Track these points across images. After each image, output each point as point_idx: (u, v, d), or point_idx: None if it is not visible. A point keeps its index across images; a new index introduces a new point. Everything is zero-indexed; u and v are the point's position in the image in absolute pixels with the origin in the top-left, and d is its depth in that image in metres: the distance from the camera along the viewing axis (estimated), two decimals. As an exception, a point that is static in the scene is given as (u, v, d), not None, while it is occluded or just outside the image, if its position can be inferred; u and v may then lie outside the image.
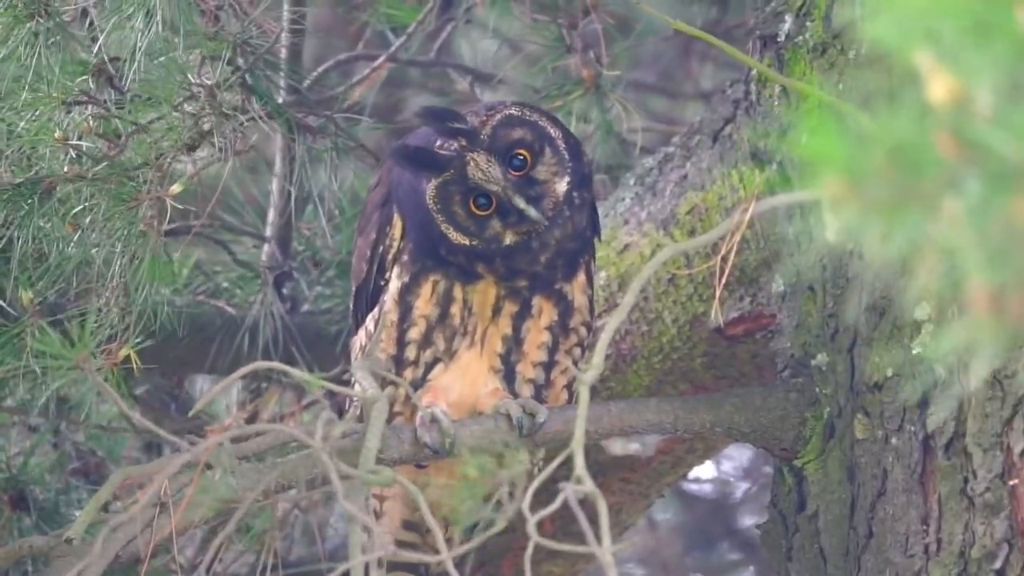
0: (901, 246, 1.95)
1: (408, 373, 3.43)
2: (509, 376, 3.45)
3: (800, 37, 3.59)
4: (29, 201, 3.57)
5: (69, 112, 3.62)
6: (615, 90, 4.19)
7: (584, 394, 2.89)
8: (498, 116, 3.41)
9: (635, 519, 4.39)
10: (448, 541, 3.11)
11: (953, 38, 1.89)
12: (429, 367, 3.44)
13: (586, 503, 2.72)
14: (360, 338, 3.52)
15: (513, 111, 3.43)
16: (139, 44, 3.52)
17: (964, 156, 1.89)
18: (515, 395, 3.45)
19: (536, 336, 3.44)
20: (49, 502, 4.19)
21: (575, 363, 3.46)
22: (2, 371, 3.59)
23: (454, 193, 3.39)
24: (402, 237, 3.45)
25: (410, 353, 3.43)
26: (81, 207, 3.57)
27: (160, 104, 3.64)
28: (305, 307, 4.43)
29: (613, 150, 4.24)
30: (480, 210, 3.39)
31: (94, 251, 3.58)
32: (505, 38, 4.57)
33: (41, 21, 3.56)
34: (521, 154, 3.40)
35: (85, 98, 3.62)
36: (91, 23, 3.66)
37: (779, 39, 3.61)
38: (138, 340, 3.55)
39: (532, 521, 2.74)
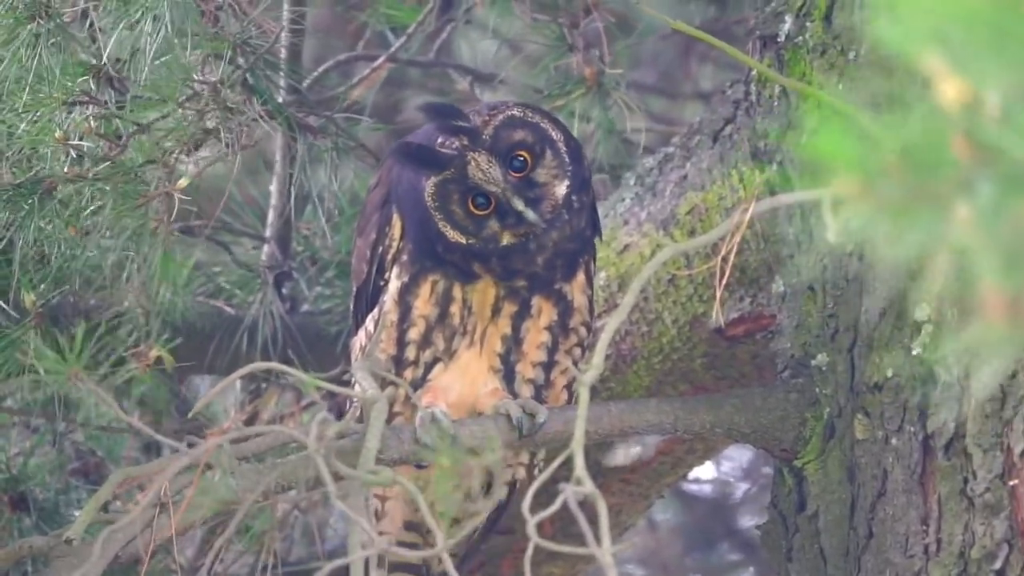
0: (912, 247, 1.94)
1: (408, 373, 3.43)
2: (509, 376, 3.45)
3: (800, 37, 3.58)
4: (29, 202, 3.57)
5: (70, 113, 3.62)
6: (618, 88, 4.18)
7: (584, 394, 2.88)
8: (500, 117, 3.40)
9: (635, 520, 4.39)
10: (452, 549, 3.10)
11: (962, 40, 1.88)
12: (429, 367, 3.44)
13: (586, 504, 2.72)
14: (360, 338, 3.52)
15: (515, 112, 3.42)
16: (148, 48, 3.52)
17: (977, 158, 1.89)
18: (515, 395, 3.44)
19: (536, 336, 3.44)
20: (49, 502, 4.19)
21: (575, 363, 3.45)
22: (3, 374, 3.59)
23: (453, 192, 3.39)
24: (401, 237, 3.45)
25: (410, 353, 3.43)
26: (83, 208, 3.58)
27: (164, 103, 3.64)
28: (305, 307, 4.43)
29: (615, 149, 4.23)
30: (478, 210, 3.39)
31: (105, 252, 3.58)
32: (505, 38, 4.57)
33: (42, 22, 3.56)
34: (522, 156, 3.40)
35: (86, 98, 3.62)
36: (91, 24, 3.66)
37: (779, 39, 3.61)
38: (165, 338, 3.57)
39: (532, 522, 2.74)
